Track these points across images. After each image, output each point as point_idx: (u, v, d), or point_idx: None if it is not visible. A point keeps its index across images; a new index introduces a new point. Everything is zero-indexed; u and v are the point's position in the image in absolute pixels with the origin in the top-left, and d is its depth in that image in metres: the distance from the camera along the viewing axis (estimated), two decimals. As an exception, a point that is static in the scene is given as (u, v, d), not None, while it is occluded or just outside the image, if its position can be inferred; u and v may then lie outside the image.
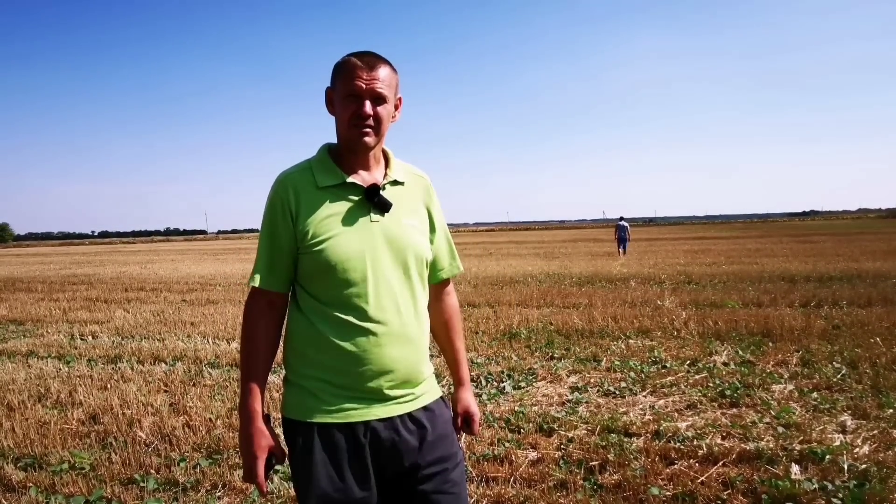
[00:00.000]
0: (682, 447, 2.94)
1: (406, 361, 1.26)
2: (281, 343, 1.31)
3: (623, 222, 19.27)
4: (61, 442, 3.24)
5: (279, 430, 1.30)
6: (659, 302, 7.70)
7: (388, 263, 1.26)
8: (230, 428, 3.39)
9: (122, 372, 4.82)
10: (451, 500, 1.27)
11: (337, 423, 1.23)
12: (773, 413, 3.42)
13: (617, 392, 3.97)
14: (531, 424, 3.36)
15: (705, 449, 2.90)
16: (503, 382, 4.27)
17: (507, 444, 3.06)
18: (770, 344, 5.14)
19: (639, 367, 4.53)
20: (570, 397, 3.90)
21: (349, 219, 1.25)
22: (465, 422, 1.46)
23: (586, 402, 3.78)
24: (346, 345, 1.22)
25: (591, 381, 4.27)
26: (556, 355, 5.05)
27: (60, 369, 4.96)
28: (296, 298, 1.32)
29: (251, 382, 1.25)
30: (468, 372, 1.52)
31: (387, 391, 1.24)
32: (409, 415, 1.27)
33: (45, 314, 8.28)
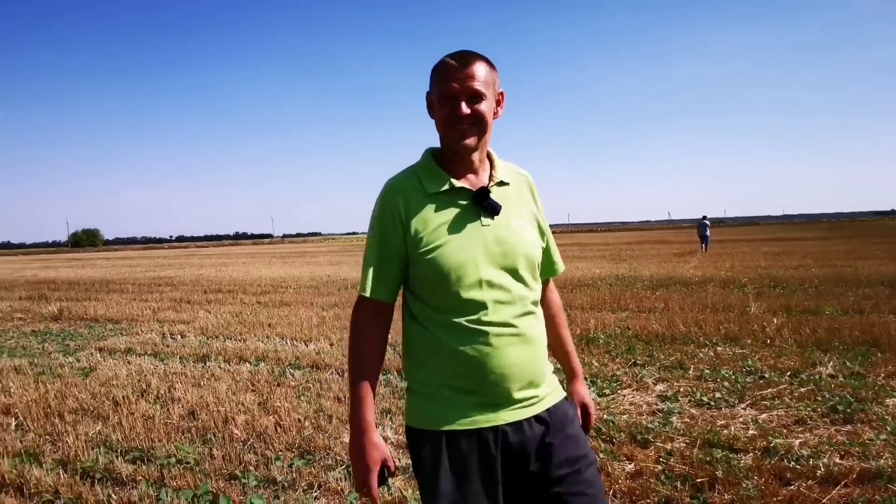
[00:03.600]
0: (797, 466, 2.72)
1: (529, 363, 1.24)
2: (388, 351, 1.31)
3: (706, 220, 21.48)
4: (166, 436, 3.41)
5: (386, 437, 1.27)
6: (745, 307, 7.25)
7: (502, 266, 1.23)
8: (318, 429, 3.45)
9: (211, 371, 5.05)
10: (588, 501, 1.21)
11: (466, 429, 1.20)
12: (888, 429, 3.11)
13: (711, 403, 3.74)
14: (623, 434, 3.21)
15: (823, 469, 2.66)
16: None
17: (601, 455, 2.93)
18: (878, 354, 4.70)
19: (733, 377, 4.26)
20: (661, 407, 3.71)
21: (460, 224, 1.23)
22: (581, 416, 1.41)
23: (679, 413, 3.58)
24: (468, 350, 1.19)
25: (681, 390, 4.05)
26: (638, 362, 4.84)
27: (157, 366, 5.26)
28: (408, 307, 1.30)
29: (362, 393, 1.22)
30: (579, 363, 1.49)
31: (513, 395, 1.21)
32: (536, 417, 1.24)
33: (137, 314, 8.85)
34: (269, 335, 6.64)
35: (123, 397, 4.21)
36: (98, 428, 3.58)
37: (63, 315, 8.99)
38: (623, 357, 5.01)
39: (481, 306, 1.20)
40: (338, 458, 3.03)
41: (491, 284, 1.22)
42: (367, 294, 1.25)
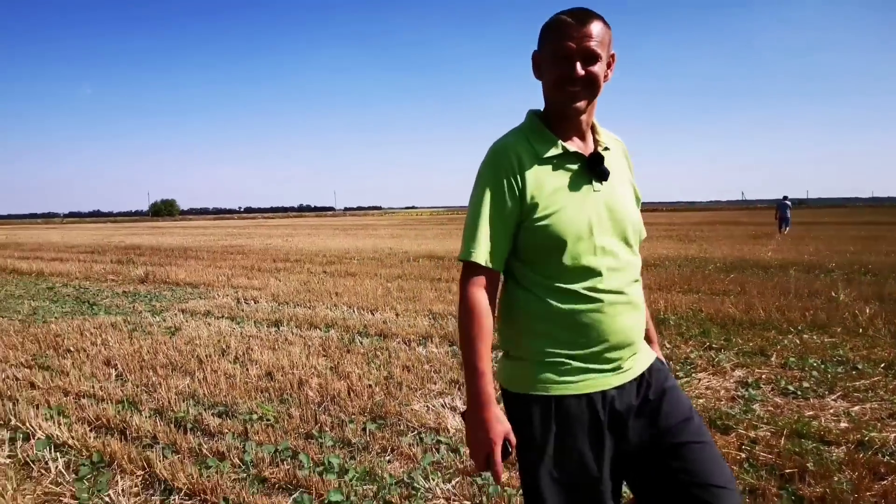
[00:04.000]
0: (892, 462, 2.52)
1: (637, 328, 1.25)
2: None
3: (787, 201, 20.84)
4: (246, 394, 3.60)
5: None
6: (832, 294, 6.76)
7: (612, 233, 1.22)
8: (389, 396, 3.54)
9: (284, 335, 5.27)
10: (706, 448, 1.22)
11: (576, 394, 1.19)
12: None
13: (798, 392, 3.52)
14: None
15: (929, 468, 2.45)
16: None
17: (677, 439, 2.84)
18: None
19: (821, 367, 3.99)
20: (741, 393, 3.53)
21: (574, 190, 1.20)
22: None
23: (761, 401, 3.40)
24: (583, 317, 1.18)
25: (763, 377, 3.84)
26: (714, 345, 4.62)
27: (234, 329, 5.56)
28: (513, 273, 1.26)
29: (482, 367, 1.17)
30: (654, 329, 1.48)
31: (622, 359, 1.23)
32: (641, 377, 1.26)
33: (213, 279, 9.36)
34: (337, 304, 6.85)
35: (206, 356, 4.48)
36: (186, 382, 3.83)
37: (148, 278, 9.66)
38: (696, 340, 4.80)
39: (596, 274, 1.19)
40: (409, 424, 3.09)
41: (605, 251, 1.20)
42: (483, 262, 1.19)
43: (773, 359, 4.23)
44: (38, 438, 2.97)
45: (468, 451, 1.27)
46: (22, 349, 4.84)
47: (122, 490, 2.46)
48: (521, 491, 2.35)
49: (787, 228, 20.40)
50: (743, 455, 2.66)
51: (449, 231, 25.87)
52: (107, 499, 2.40)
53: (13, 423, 3.18)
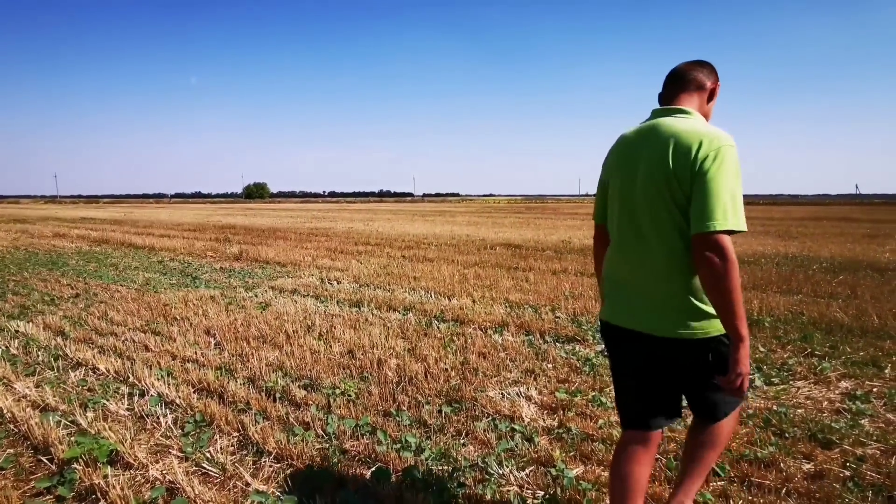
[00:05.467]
0: None
1: None
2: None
3: None
4: (329, 369, 3.78)
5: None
6: (962, 302, 5.98)
7: None
8: (464, 380, 3.58)
9: (365, 315, 5.47)
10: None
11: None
12: None
13: (916, 410, 3.16)
14: (798, 430, 2.86)
15: None
16: (751, 374, 3.74)
17: (770, 448, 2.65)
18: None
19: (946, 383, 3.56)
20: (847, 406, 3.23)
21: None
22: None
23: (871, 416, 3.09)
24: None
25: (874, 390, 3.48)
26: (816, 352, 4.25)
27: (318, 307, 5.84)
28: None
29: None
30: None
31: None
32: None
33: (299, 259, 9.87)
34: (415, 287, 7.00)
35: (293, 331, 4.74)
36: (276, 354, 4.09)
37: (242, 256, 10.36)
38: (796, 345, 4.44)
39: None
40: (484, 410, 3.12)
41: None
42: (744, 228, 1.52)
43: (886, 371, 3.83)
44: (151, 396, 3.30)
45: (745, 373, 1.55)
46: (138, 315, 5.38)
47: (221, 448, 2.68)
48: (596, 485, 2.31)
49: None
50: (847, 473, 2.44)
51: (526, 220, 25.55)
52: (208, 454, 2.62)
53: (131, 380, 3.55)
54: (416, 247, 12.33)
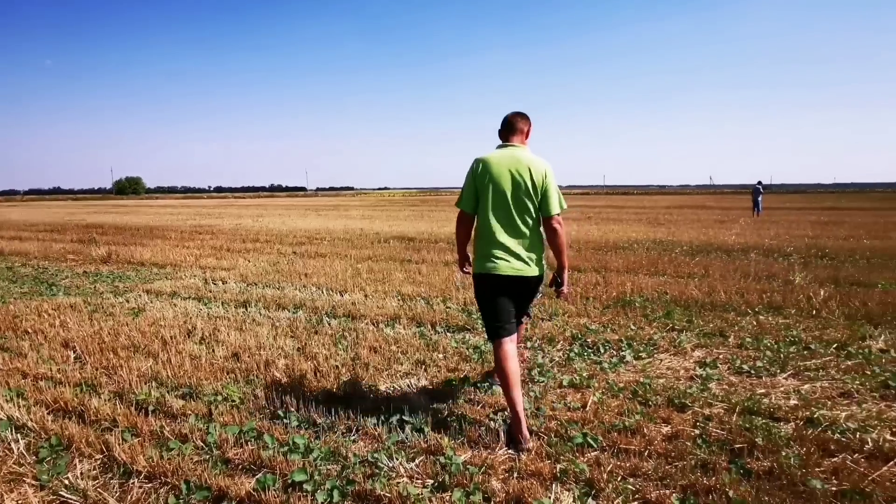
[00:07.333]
0: (842, 439, 2.66)
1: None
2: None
3: (759, 186, 22.72)
4: (212, 375, 3.56)
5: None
6: (789, 276, 7.01)
7: None
8: (355, 376, 3.55)
9: (252, 316, 5.21)
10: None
11: None
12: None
13: (752, 371, 3.66)
14: (660, 397, 3.19)
15: (871, 444, 2.59)
16: (623, 351, 4.10)
17: (636, 416, 2.93)
18: (937, 331, 4.49)
19: (775, 347, 4.15)
20: (699, 373, 3.66)
21: None
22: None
23: (718, 380, 3.53)
24: None
25: (720, 357, 3.98)
26: (676, 327, 4.76)
27: (201, 310, 5.46)
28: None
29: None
30: None
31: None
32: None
33: (180, 259, 9.16)
34: (306, 284, 6.79)
35: (171, 337, 4.40)
36: (149, 364, 3.76)
37: (111, 258, 9.38)
38: (660, 321, 4.94)
39: None
40: (375, 404, 3.11)
41: None
42: (566, 208, 2.87)
43: (730, 339, 4.38)
44: (0, 420, 2.89)
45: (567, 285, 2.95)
46: (-25, 331, 4.67)
47: (81, 473, 2.42)
48: (482, 469, 2.41)
49: (759, 213, 21.92)
50: (697, 431, 2.77)
51: (421, 213, 25.78)
52: (66, 481, 2.36)
53: (-34, 406, 3.08)
54: (309, 242, 11.97)
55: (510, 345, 2.75)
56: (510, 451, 2.58)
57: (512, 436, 2.64)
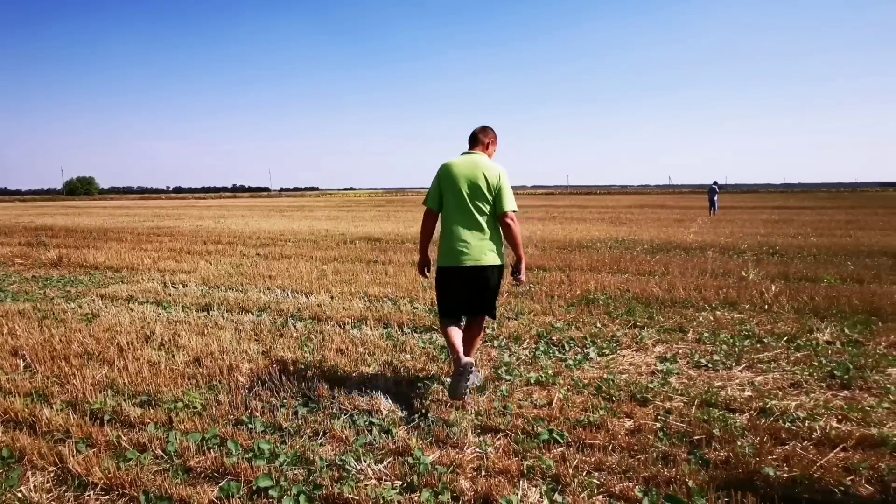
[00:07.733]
0: (793, 427, 2.78)
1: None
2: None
3: (715, 186, 23.91)
4: (172, 381, 3.45)
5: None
6: (743, 273, 7.29)
7: None
8: (322, 379, 3.50)
9: (214, 319, 5.08)
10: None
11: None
12: (892, 397, 3.17)
13: (709, 365, 3.80)
14: (623, 393, 3.27)
15: (819, 431, 2.73)
16: (587, 348, 4.18)
17: (601, 412, 3.00)
18: (879, 324, 4.75)
19: (731, 341, 4.31)
20: (660, 367, 3.77)
21: None
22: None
23: (677, 374, 3.64)
24: None
25: (680, 351, 4.11)
26: (638, 323, 4.89)
27: (160, 314, 5.30)
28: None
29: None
30: None
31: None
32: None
33: (137, 263, 8.85)
34: (270, 287, 6.67)
35: (128, 343, 4.25)
36: (104, 372, 3.62)
37: (62, 262, 8.99)
38: (623, 318, 5.06)
39: None
40: (342, 406, 3.08)
41: None
42: (517, 209, 3.25)
43: (689, 334, 4.53)
44: (-66, 436, 2.73)
45: (525, 275, 3.32)
46: (-88, 340, 4.40)
47: (35, 486, 2.31)
48: (451, 468, 2.42)
49: (714, 212, 23.04)
50: (658, 425, 2.85)
51: (387, 213, 25.66)
52: (20, 495, 2.25)
53: None
54: (273, 244, 11.75)
55: (455, 326, 3.23)
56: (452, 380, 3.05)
57: (454, 367, 3.07)
